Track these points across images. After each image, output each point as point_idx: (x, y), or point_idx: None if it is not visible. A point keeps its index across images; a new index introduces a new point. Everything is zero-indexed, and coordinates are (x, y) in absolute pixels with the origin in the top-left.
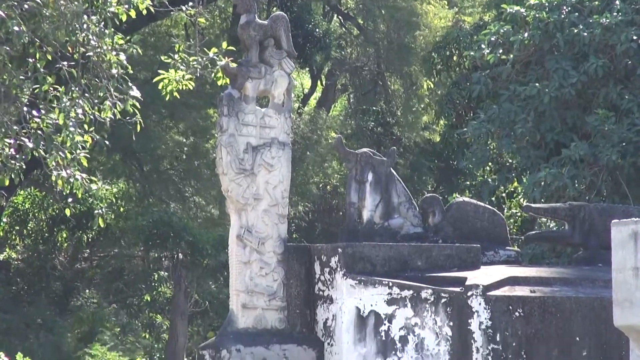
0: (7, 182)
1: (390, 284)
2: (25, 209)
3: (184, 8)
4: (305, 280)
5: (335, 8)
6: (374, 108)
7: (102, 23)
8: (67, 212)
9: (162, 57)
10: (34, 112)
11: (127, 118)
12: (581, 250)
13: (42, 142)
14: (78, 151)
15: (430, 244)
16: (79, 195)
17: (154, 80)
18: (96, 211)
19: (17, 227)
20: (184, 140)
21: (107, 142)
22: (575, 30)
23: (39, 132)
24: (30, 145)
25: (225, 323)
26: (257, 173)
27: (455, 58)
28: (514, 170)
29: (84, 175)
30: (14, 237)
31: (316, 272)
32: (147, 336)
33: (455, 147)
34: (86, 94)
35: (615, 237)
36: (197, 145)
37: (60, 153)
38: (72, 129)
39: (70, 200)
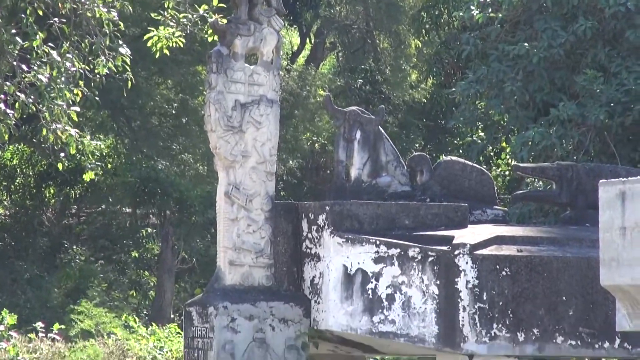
0: (6, 137)
1: (378, 242)
2: (12, 164)
3: None
4: (292, 238)
5: None
6: (363, 66)
7: None
8: (60, 166)
9: (152, 14)
10: (24, 67)
11: (117, 75)
12: (568, 209)
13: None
14: (67, 106)
15: (417, 202)
16: (72, 151)
17: (144, 37)
18: (88, 164)
19: (5, 183)
20: (173, 96)
21: (97, 98)
22: None
23: (31, 87)
24: (25, 99)
25: (212, 280)
26: (245, 130)
27: (444, 17)
28: (502, 130)
29: (76, 130)
30: (1, 193)
31: (303, 230)
32: (134, 293)
33: (444, 107)
34: (77, 50)
35: (602, 196)
36: (186, 102)
37: (53, 106)
38: (62, 85)
39: (62, 155)
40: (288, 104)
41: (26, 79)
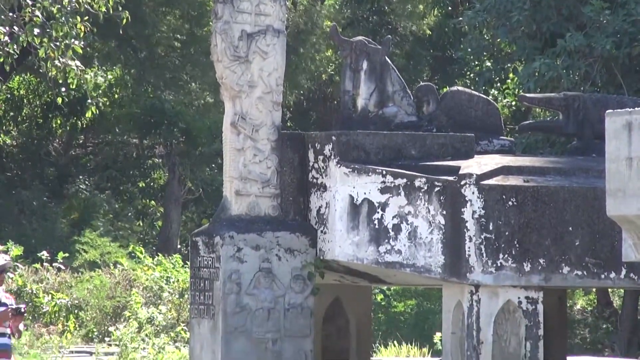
0: (7, 68)
1: (384, 173)
2: (20, 94)
3: None
4: (298, 168)
5: None
6: None
7: None
8: (59, 100)
9: None
10: (28, 1)
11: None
12: (575, 140)
13: (35, 31)
14: (72, 40)
15: (424, 133)
16: (73, 85)
17: None
18: (88, 101)
19: (12, 113)
20: (180, 27)
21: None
22: None
23: (32, 21)
24: (22, 33)
25: (218, 210)
26: (251, 60)
27: None
28: (509, 60)
29: (78, 64)
30: (8, 123)
31: (310, 160)
32: (141, 223)
33: (451, 37)
34: None
35: (609, 127)
36: (193, 32)
37: (52, 44)
38: (63, 19)
39: (63, 89)
40: (295, 35)
41: (27, 13)
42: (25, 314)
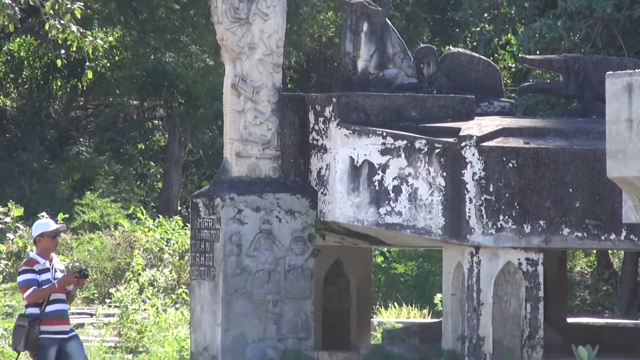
0: (11, 28)
1: (384, 134)
2: (20, 56)
3: None
4: (299, 130)
5: None
6: None
7: None
8: (59, 62)
9: None
10: None
11: None
12: (575, 102)
13: None
14: (73, 2)
15: (424, 94)
16: (73, 48)
17: None
18: (86, 64)
19: (12, 75)
20: None
21: None
22: None
23: None
24: None
25: (219, 172)
26: (252, 22)
27: None
28: (509, 22)
29: (78, 28)
30: (8, 85)
31: (310, 122)
32: (141, 184)
33: None
34: None
35: (609, 89)
36: None
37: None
38: None
39: (62, 51)
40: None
41: None
42: (88, 277)
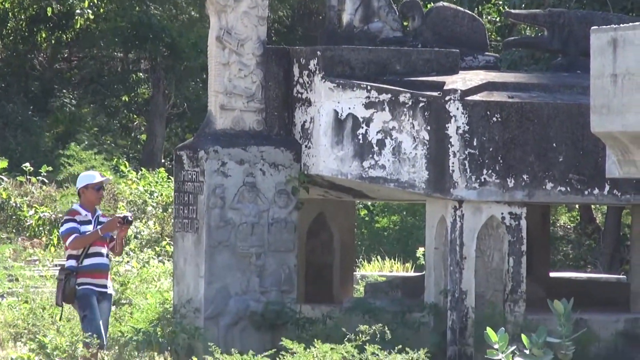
0: None
1: (369, 88)
2: (4, 8)
3: None
4: (283, 83)
5: None
6: None
7: None
8: (49, 11)
9: None
10: None
11: None
12: (560, 56)
13: None
14: None
15: (409, 48)
16: None
17: None
18: (77, 11)
19: None
20: None
21: None
22: None
23: None
24: None
25: (203, 124)
26: None
27: None
28: None
29: None
30: None
31: (295, 75)
32: (125, 137)
33: None
34: None
35: (594, 43)
36: None
37: None
38: None
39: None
40: None
41: None
42: (132, 223)
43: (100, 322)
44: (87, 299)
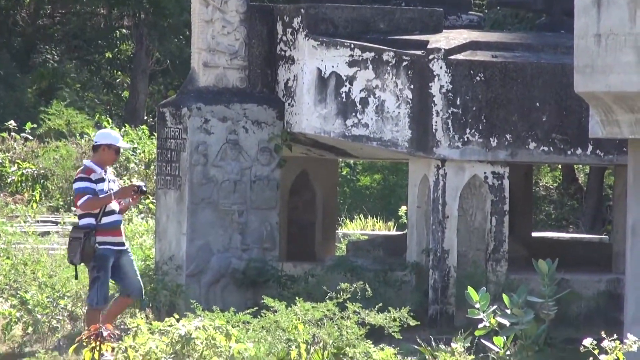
0: None
1: (352, 46)
2: None
3: None
4: (267, 41)
5: None
6: None
7: None
8: None
9: None
10: None
11: None
12: (544, 16)
13: None
14: None
15: (393, 6)
16: None
17: None
18: None
19: None
20: None
21: None
22: None
23: None
24: None
25: (186, 81)
26: None
27: None
28: None
29: None
30: None
31: (278, 33)
32: (108, 93)
33: None
34: None
35: (577, 3)
36: None
37: None
38: None
39: None
40: None
41: None
42: (146, 193)
43: (133, 276)
44: (105, 260)
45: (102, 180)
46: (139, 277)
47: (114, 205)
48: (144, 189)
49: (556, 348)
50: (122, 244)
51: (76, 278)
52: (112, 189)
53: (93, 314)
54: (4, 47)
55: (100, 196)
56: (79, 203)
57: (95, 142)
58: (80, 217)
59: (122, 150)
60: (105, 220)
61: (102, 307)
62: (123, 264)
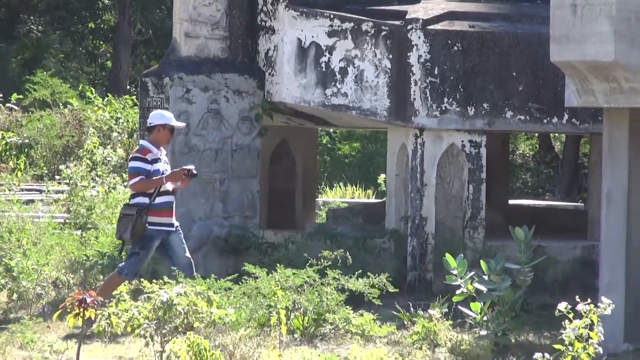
0: None
1: (332, 16)
2: None
3: None
4: (247, 11)
5: None
6: None
7: None
8: None
9: None
10: None
11: None
12: None
13: None
14: None
15: None
16: None
17: None
18: None
19: None
20: None
21: None
22: None
23: None
24: None
25: (168, 52)
26: None
27: None
28: None
29: None
30: None
31: (259, 3)
32: (91, 63)
33: None
34: None
35: None
36: None
37: None
38: None
39: None
40: None
41: None
42: (196, 176)
43: (184, 256)
44: (150, 241)
45: (158, 160)
46: (188, 255)
47: (169, 185)
48: (194, 172)
49: (532, 314)
50: (172, 225)
51: (120, 253)
52: (167, 170)
53: (116, 281)
54: None
55: (152, 178)
56: (130, 183)
57: (150, 124)
58: (133, 195)
59: (176, 130)
60: (158, 200)
61: (129, 280)
62: (173, 242)
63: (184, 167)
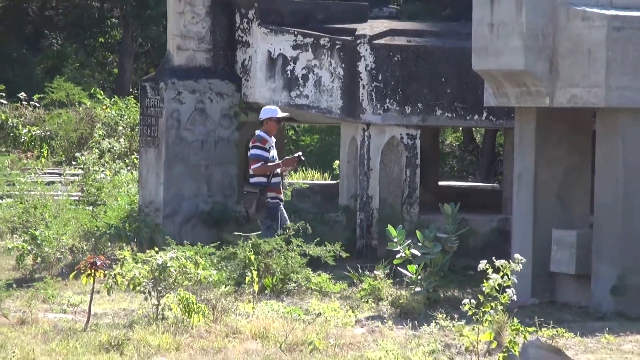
0: None
1: (296, 33)
2: None
3: None
4: (227, 28)
5: None
6: None
7: None
8: None
9: None
10: None
11: None
12: (449, 8)
13: None
14: None
15: (328, 1)
16: None
17: None
18: None
19: None
20: None
21: None
22: None
23: None
24: None
25: (163, 61)
26: None
27: None
28: None
29: None
30: None
31: (237, 22)
32: (101, 71)
33: None
34: None
35: None
36: None
37: None
38: None
39: None
40: None
41: None
42: (304, 161)
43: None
44: (275, 211)
45: (273, 147)
46: (288, 222)
47: (281, 169)
48: (302, 158)
49: (457, 274)
50: (282, 199)
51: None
52: (275, 155)
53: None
54: (18, 34)
55: (271, 164)
56: (253, 167)
57: (261, 118)
58: (252, 176)
59: (282, 120)
60: (273, 180)
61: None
62: (281, 212)
63: (295, 155)
